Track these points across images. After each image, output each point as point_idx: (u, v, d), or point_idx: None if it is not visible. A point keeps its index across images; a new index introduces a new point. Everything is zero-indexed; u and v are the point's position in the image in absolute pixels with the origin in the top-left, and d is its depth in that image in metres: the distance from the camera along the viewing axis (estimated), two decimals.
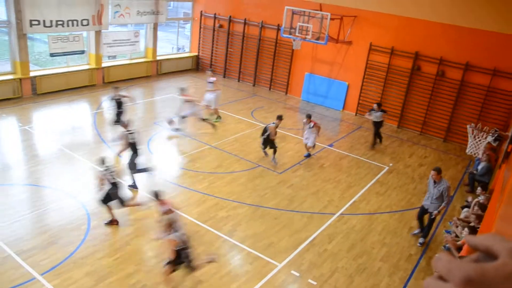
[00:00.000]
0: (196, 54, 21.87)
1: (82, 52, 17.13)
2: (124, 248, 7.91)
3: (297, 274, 7.62)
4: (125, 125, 9.84)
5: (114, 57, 18.82)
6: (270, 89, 19.48)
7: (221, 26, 20.36)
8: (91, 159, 10.82)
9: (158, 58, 20.15)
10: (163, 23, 20.30)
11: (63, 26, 15.78)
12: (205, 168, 11.28)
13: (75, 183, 9.86)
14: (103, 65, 17.81)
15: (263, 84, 19.76)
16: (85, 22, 16.46)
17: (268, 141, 11.57)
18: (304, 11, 15.78)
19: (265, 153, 11.85)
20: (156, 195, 7.17)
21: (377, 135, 13.84)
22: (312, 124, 12.06)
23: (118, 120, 11.95)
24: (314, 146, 12.46)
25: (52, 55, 16.10)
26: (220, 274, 7.48)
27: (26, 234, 8.02)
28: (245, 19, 19.39)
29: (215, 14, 20.35)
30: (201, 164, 11.53)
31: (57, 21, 15.50)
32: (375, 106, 13.43)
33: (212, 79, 14.60)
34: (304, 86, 18.43)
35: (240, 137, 13.49)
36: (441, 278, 0.65)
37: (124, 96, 12.43)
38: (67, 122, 13.65)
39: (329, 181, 11.36)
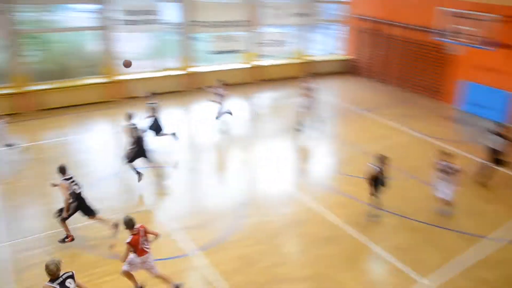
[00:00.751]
0: (349, 57, 21.61)
1: (239, 51, 18.34)
2: (271, 240, 8.23)
3: None
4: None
5: (267, 56, 19.67)
6: (426, 96, 18.14)
7: (375, 29, 19.73)
8: (248, 150, 11.46)
9: (308, 59, 20.46)
10: (315, 25, 20.49)
11: (222, 27, 17.44)
12: (355, 172, 11.01)
13: (230, 173, 10.64)
14: (256, 63, 18.83)
15: (416, 90, 18.56)
16: (241, 23, 17.90)
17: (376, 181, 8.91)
18: (467, 13, 14.40)
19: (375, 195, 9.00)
20: (129, 223, 6.24)
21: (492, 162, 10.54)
22: (451, 166, 8.72)
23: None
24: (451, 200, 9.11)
25: (215, 53, 17.58)
26: (362, 280, 7.30)
27: (182, 216, 8.96)
28: (400, 22, 18.48)
29: (368, 16, 19.83)
30: (351, 168, 11.36)
31: (217, 22, 17.23)
32: (491, 126, 10.82)
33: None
34: (461, 94, 16.75)
35: (392, 145, 12.93)
36: None
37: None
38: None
39: (492, 201, 10.07)
